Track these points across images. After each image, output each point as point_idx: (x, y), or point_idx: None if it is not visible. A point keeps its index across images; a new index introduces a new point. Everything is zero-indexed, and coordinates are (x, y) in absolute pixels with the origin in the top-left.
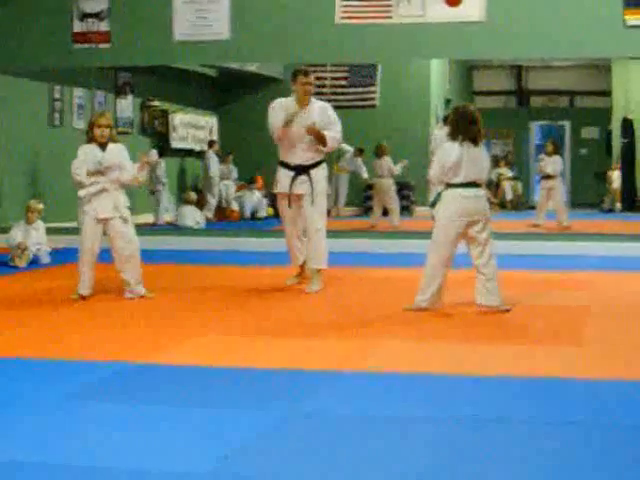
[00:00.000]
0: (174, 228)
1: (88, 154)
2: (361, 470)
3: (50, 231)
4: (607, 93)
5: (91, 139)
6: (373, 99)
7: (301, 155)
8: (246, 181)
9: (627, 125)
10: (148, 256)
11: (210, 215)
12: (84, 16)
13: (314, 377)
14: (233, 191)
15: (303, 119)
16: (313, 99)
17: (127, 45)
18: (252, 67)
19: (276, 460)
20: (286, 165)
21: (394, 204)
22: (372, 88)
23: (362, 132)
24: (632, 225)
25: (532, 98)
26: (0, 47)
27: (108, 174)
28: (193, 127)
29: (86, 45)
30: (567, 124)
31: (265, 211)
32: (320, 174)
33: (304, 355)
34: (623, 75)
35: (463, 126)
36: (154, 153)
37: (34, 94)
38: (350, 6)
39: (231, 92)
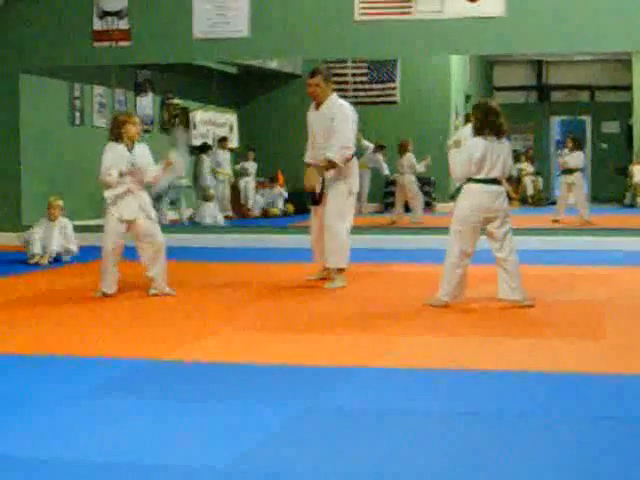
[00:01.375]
0: (194, 225)
1: (117, 154)
2: (380, 464)
3: (73, 229)
4: (628, 87)
5: (117, 138)
6: (393, 95)
7: (319, 154)
8: (267, 179)
9: None
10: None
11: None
12: (104, 14)
13: (332, 373)
14: (252, 187)
15: (318, 119)
16: (333, 98)
17: (147, 43)
18: (272, 64)
19: (294, 455)
20: (309, 164)
21: (416, 200)
22: (392, 84)
23: (383, 128)
24: None
25: (552, 93)
26: (21, 46)
27: (135, 174)
28: (213, 124)
29: (106, 43)
30: (588, 119)
31: (281, 209)
32: (335, 173)
33: (322, 351)
34: None
35: (487, 121)
36: (174, 154)
37: (54, 92)
38: (369, 2)
39: (251, 89)
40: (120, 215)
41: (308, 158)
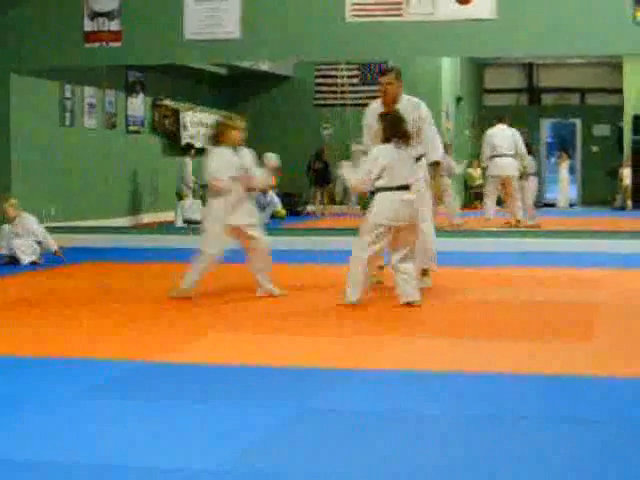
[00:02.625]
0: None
1: (224, 159)
2: (374, 466)
3: (62, 231)
4: (618, 90)
5: (220, 143)
6: None
7: None
8: None
9: (639, 122)
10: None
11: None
12: (95, 15)
13: (327, 374)
14: None
15: None
16: (406, 97)
17: (138, 44)
18: (263, 66)
19: (291, 456)
20: None
21: (450, 202)
22: None
23: None
24: None
25: (543, 96)
26: (11, 46)
27: (243, 180)
28: (204, 126)
29: (97, 44)
30: (578, 121)
31: (275, 211)
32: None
33: (316, 352)
34: (634, 72)
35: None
36: (272, 156)
37: (45, 93)
38: (361, 4)
39: (242, 91)
40: (227, 221)
41: None
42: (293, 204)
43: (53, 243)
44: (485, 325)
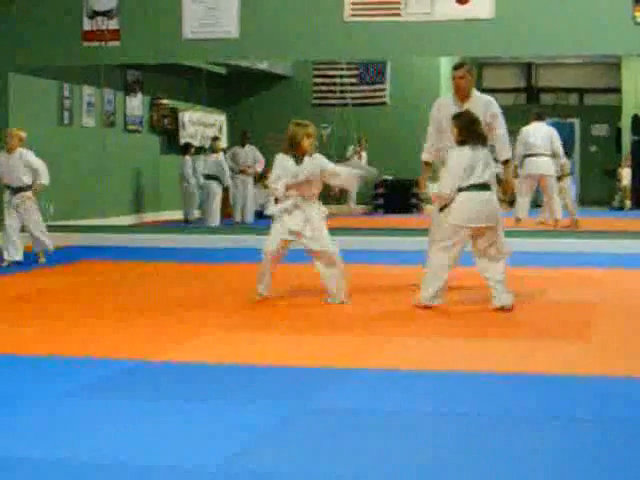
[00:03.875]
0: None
1: (282, 166)
2: (368, 463)
3: (60, 229)
4: (617, 90)
5: (289, 150)
6: (383, 97)
7: None
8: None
9: (637, 122)
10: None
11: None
12: (94, 14)
13: (322, 373)
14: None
15: None
16: (477, 93)
17: (136, 43)
18: (262, 65)
19: (285, 455)
20: (428, 163)
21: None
22: (382, 86)
23: (372, 129)
24: None
25: (542, 95)
26: (10, 45)
27: (300, 188)
28: (202, 125)
29: (96, 43)
30: (577, 121)
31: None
32: None
33: (313, 352)
34: (633, 72)
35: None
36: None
37: (44, 92)
38: (359, 3)
39: (240, 90)
40: (285, 226)
41: (428, 157)
42: None
43: (50, 242)
44: (480, 324)
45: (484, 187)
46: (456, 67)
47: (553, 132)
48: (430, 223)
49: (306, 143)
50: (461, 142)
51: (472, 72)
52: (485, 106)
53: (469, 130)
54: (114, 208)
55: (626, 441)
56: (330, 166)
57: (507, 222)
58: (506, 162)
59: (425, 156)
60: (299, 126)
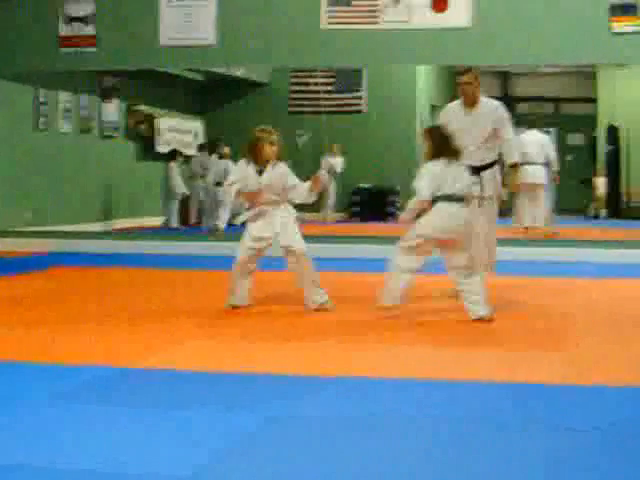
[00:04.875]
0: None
1: (243, 173)
2: (350, 470)
3: (36, 235)
4: (593, 100)
5: (251, 159)
6: (360, 104)
7: (470, 156)
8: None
9: (612, 132)
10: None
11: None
12: (70, 20)
13: (303, 381)
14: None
15: (470, 120)
16: (484, 99)
17: (113, 49)
18: (238, 72)
19: (257, 464)
20: None
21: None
22: (358, 94)
23: (349, 137)
24: (617, 231)
25: (518, 104)
26: None
27: (262, 197)
28: (179, 131)
29: (72, 49)
30: (553, 130)
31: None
32: (491, 175)
33: (294, 359)
34: (608, 82)
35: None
36: (324, 173)
37: (20, 97)
38: (336, 11)
39: (217, 96)
40: (251, 234)
41: None
42: None
43: None
44: (461, 333)
45: (453, 199)
46: (462, 73)
47: (547, 140)
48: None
49: (268, 150)
50: (434, 156)
51: (478, 78)
52: (493, 111)
53: (442, 145)
54: (89, 214)
55: (605, 449)
56: (290, 182)
57: (515, 232)
58: (513, 166)
59: None
60: (263, 132)
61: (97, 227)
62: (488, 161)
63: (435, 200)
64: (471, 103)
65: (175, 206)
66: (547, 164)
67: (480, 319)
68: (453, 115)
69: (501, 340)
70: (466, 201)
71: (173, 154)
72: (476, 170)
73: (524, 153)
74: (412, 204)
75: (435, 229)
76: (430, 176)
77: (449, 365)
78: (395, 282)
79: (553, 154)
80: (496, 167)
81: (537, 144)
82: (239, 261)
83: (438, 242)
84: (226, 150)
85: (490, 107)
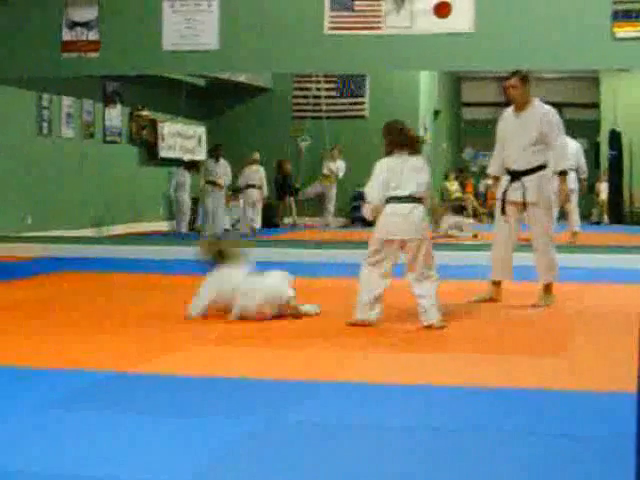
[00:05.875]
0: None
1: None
2: (339, 477)
3: (37, 240)
4: (595, 105)
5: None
6: (363, 110)
7: (516, 160)
8: (232, 192)
9: (615, 137)
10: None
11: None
12: (73, 25)
13: (296, 387)
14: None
15: (517, 125)
16: (537, 102)
17: (116, 54)
18: (241, 77)
19: (256, 469)
20: (507, 171)
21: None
22: (361, 99)
23: (351, 142)
24: (619, 237)
25: None
26: None
27: None
28: (182, 137)
29: (75, 54)
30: None
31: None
32: (535, 181)
33: (287, 365)
34: (611, 87)
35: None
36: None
37: (22, 103)
38: (339, 17)
39: (220, 102)
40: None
41: (495, 171)
42: (272, 216)
43: None
44: (457, 339)
45: (406, 199)
46: (510, 76)
47: (579, 147)
48: None
49: None
50: (388, 153)
51: (526, 81)
52: (541, 116)
53: (397, 139)
54: (93, 219)
55: (595, 457)
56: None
57: (563, 238)
58: (562, 173)
59: (491, 169)
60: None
61: (100, 232)
62: (533, 166)
63: (388, 201)
64: (520, 106)
65: (187, 212)
66: (580, 170)
67: (430, 327)
68: (505, 120)
69: (495, 345)
70: (424, 200)
71: (193, 164)
72: (519, 175)
73: None
74: (364, 210)
75: (381, 231)
76: (380, 178)
77: (438, 370)
78: (365, 296)
79: (583, 161)
80: (543, 172)
81: (571, 152)
82: None
83: (399, 244)
84: (256, 156)
85: (540, 111)
